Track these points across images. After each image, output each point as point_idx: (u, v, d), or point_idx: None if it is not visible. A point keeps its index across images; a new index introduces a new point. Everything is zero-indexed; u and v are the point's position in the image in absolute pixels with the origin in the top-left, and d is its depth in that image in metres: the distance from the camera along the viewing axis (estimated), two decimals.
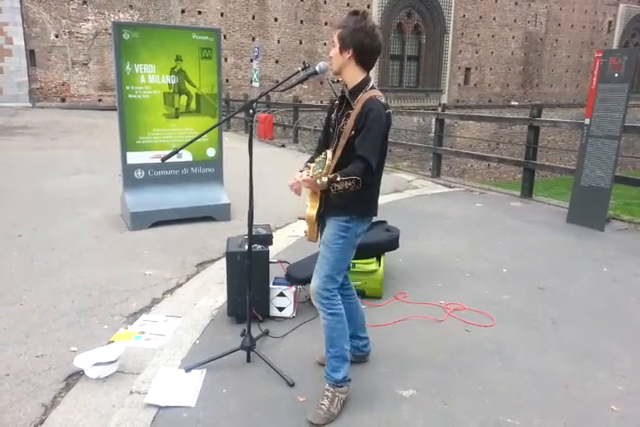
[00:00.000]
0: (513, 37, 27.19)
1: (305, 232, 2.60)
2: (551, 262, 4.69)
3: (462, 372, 2.88)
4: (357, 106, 2.36)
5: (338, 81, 2.51)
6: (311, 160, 2.70)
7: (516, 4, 26.77)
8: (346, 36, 2.35)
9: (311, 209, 2.42)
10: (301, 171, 2.63)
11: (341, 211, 2.44)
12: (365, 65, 2.43)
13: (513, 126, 23.65)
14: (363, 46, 2.37)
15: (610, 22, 30.32)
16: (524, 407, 2.57)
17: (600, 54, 5.76)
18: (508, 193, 7.83)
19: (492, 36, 26.54)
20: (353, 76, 2.42)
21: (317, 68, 2.48)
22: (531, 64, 28.10)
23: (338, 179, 2.21)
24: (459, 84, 26.06)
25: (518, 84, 27.91)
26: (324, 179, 2.18)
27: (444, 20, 24.64)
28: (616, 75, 5.53)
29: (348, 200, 2.36)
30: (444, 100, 24.04)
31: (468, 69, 26.18)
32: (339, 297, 2.52)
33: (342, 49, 2.38)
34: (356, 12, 2.39)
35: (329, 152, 2.23)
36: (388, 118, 2.40)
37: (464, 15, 25.30)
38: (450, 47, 25.15)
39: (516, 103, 26.78)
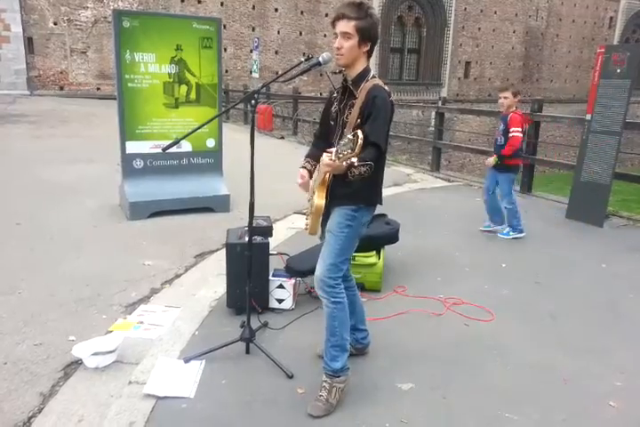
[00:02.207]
0: (514, 32, 27.08)
1: (306, 225, 2.55)
2: (550, 258, 4.70)
3: (461, 366, 2.88)
4: (362, 94, 2.35)
5: (340, 72, 2.48)
6: (309, 155, 2.65)
7: None
8: (368, 29, 2.32)
9: (319, 199, 2.37)
10: (303, 167, 2.59)
11: (349, 200, 2.43)
12: (370, 56, 2.44)
13: None
14: (377, 39, 2.39)
15: (611, 18, 30.22)
16: (522, 402, 2.57)
17: (602, 50, 5.74)
18: None
19: (493, 30, 26.42)
20: (359, 66, 2.42)
21: (321, 59, 2.44)
22: (531, 59, 28.01)
23: (356, 163, 2.15)
24: (459, 78, 25.97)
25: (518, 78, 27.80)
26: (354, 159, 2.09)
27: (444, 14, 24.50)
28: (618, 71, 5.51)
29: (356, 189, 2.35)
30: (444, 93, 23.94)
31: (468, 63, 26.08)
32: (342, 286, 2.51)
33: (361, 42, 2.33)
34: (360, 4, 2.35)
35: (359, 132, 2.09)
36: (392, 106, 2.41)
37: (465, 8, 25.16)
38: (450, 40, 25.03)
39: None
